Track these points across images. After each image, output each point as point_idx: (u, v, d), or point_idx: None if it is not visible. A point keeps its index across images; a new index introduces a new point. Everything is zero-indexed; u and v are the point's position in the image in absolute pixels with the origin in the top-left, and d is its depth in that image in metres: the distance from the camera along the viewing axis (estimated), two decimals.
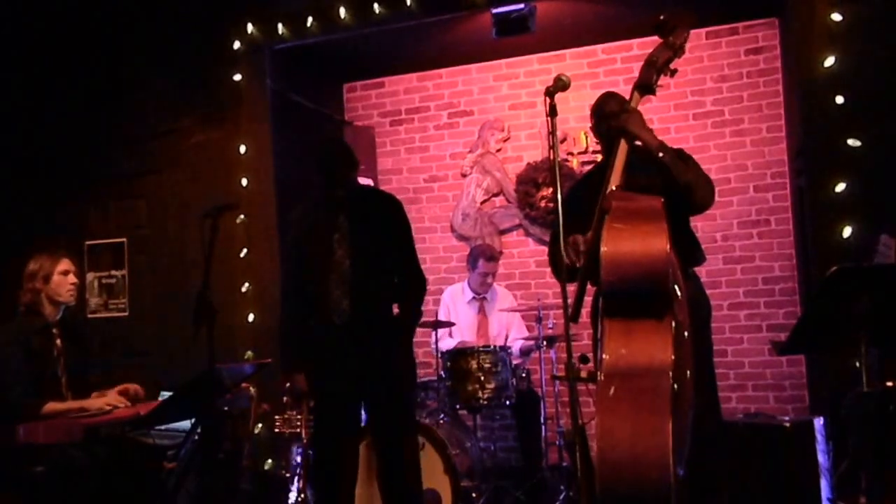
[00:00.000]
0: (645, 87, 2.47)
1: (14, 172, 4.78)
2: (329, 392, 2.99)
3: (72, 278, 3.19)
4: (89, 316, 4.62)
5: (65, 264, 3.19)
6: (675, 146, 2.70)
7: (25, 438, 2.83)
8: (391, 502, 2.99)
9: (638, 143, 2.51)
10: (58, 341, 3.20)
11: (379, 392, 2.95)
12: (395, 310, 3.10)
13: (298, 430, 3.62)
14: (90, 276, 4.61)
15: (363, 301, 2.93)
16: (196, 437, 3.15)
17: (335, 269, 2.93)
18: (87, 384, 3.24)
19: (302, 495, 3.58)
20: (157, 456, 3.19)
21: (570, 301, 2.34)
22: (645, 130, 2.50)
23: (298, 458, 3.62)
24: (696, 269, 2.77)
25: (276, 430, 3.71)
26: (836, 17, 3.64)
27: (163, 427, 3.22)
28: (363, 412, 3.09)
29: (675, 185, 2.50)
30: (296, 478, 3.63)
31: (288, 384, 3.24)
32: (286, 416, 3.66)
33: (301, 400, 3.39)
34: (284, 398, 3.60)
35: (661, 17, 2.49)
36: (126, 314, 4.62)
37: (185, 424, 3.22)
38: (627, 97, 2.58)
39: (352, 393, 2.96)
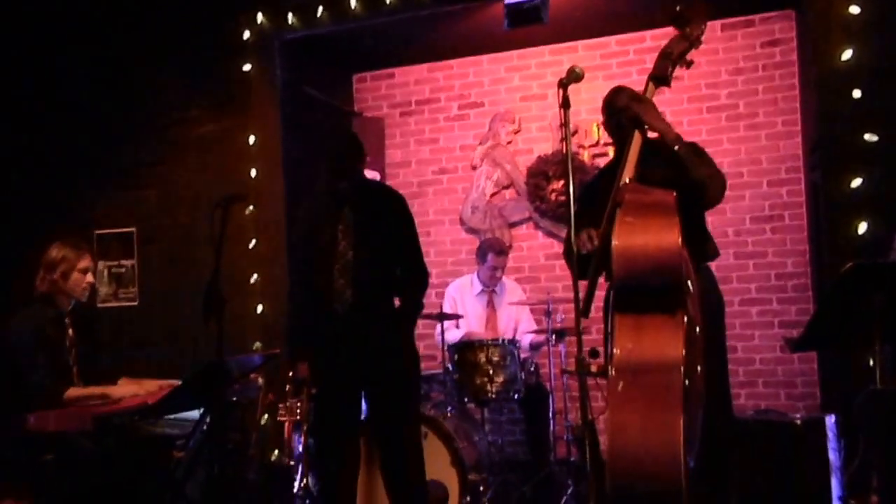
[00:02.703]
0: (660, 78, 2.44)
1: (24, 162, 4.79)
2: (330, 380, 3.02)
3: (89, 277, 3.22)
4: (99, 305, 4.63)
5: (86, 261, 3.21)
6: (687, 140, 2.67)
7: (35, 426, 2.84)
8: (393, 493, 3.00)
9: (653, 134, 2.48)
10: (70, 331, 3.22)
11: (378, 382, 2.97)
12: (397, 302, 3.11)
13: (299, 418, 3.62)
14: (100, 265, 4.61)
15: (366, 291, 2.96)
16: (204, 427, 3.16)
17: (339, 259, 2.97)
18: (97, 374, 3.26)
19: (304, 481, 3.58)
20: (166, 445, 3.19)
21: (581, 295, 2.32)
22: (660, 120, 2.47)
23: (301, 448, 3.63)
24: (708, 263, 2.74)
25: (279, 418, 3.71)
26: (854, 9, 3.58)
27: (171, 416, 3.22)
28: (364, 402, 3.09)
29: (688, 180, 2.47)
30: (299, 467, 3.64)
31: (291, 372, 3.26)
32: (288, 403, 3.67)
33: (303, 388, 3.40)
34: (287, 386, 3.61)
35: (678, 8, 2.46)
36: (135, 304, 4.63)
37: (194, 414, 3.22)
38: (641, 89, 2.55)
39: (352, 382, 2.98)
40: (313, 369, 3.09)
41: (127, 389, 3.08)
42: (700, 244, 2.61)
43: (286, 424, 3.69)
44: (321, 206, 3.11)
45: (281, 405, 3.67)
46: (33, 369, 3.01)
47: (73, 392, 3.01)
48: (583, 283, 2.36)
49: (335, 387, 3.00)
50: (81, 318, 3.29)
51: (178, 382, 3.10)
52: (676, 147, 2.46)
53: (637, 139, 2.42)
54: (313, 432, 3.29)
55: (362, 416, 3.13)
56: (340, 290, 2.95)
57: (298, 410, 3.58)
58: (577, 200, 2.88)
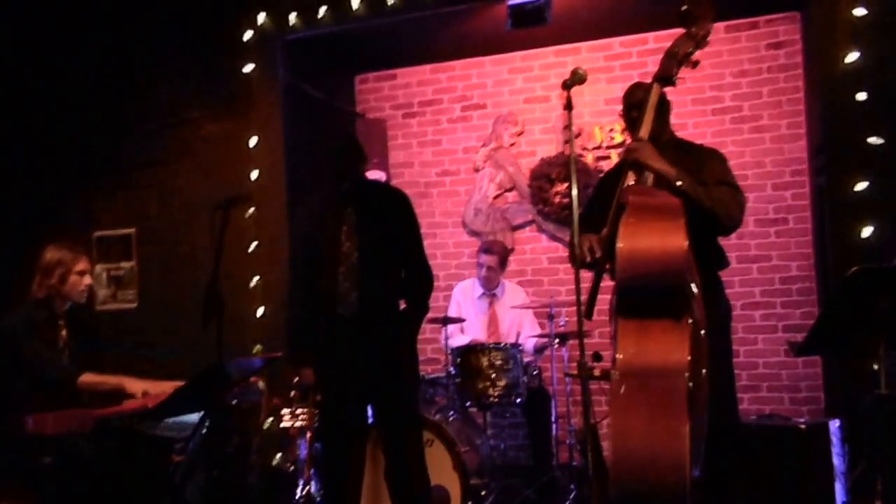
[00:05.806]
0: (665, 78, 2.42)
1: (23, 162, 4.78)
2: (335, 384, 2.98)
3: (87, 279, 3.20)
4: (98, 308, 4.61)
5: (83, 263, 3.19)
6: (697, 142, 2.64)
7: (34, 429, 2.82)
8: (397, 497, 2.98)
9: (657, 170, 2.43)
10: (63, 332, 3.20)
11: (384, 386, 2.94)
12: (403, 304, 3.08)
13: (305, 424, 3.59)
14: (99, 267, 4.60)
15: (371, 294, 2.93)
16: (204, 431, 3.13)
17: (343, 261, 2.94)
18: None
19: (307, 488, 3.56)
20: (166, 448, 3.17)
21: (583, 298, 2.29)
22: (658, 161, 2.42)
23: (304, 454, 3.60)
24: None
25: (283, 424, 3.68)
26: (860, 11, 3.57)
27: (171, 420, 3.19)
28: (370, 406, 3.06)
29: (699, 210, 2.44)
30: (302, 472, 3.61)
31: (296, 378, 3.22)
32: (294, 410, 3.64)
33: (309, 393, 3.37)
34: (292, 392, 3.58)
35: (684, 7, 2.43)
36: (134, 306, 4.61)
37: (194, 417, 3.20)
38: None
39: (358, 385, 2.95)
40: (318, 374, 3.05)
41: (141, 385, 3.04)
42: (712, 254, 2.59)
43: (290, 430, 3.66)
44: (323, 207, 3.07)
45: (286, 411, 3.65)
46: (40, 359, 2.99)
47: (88, 378, 2.97)
48: (585, 285, 2.33)
49: (341, 391, 2.96)
50: (75, 320, 3.27)
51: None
52: (678, 184, 2.41)
53: (654, 100, 2.39)
54: (320, 438, 3.25)
55: (369, 421, 3.10)
56: (345, 293, 2.92)
57: (304, 417, 3.55)
58: (587, 201, 2.86)
